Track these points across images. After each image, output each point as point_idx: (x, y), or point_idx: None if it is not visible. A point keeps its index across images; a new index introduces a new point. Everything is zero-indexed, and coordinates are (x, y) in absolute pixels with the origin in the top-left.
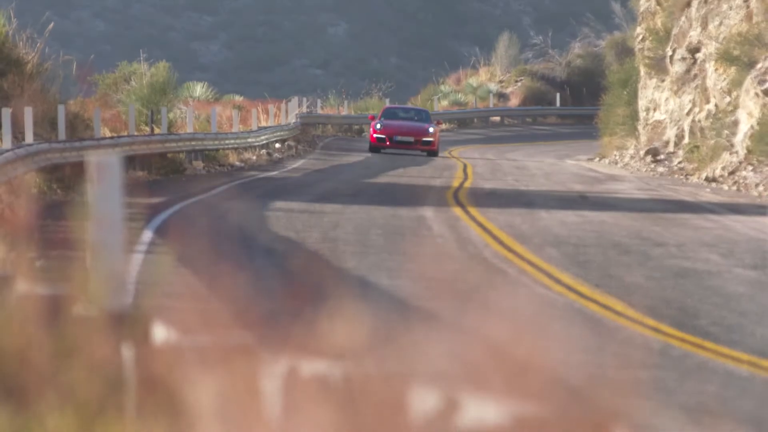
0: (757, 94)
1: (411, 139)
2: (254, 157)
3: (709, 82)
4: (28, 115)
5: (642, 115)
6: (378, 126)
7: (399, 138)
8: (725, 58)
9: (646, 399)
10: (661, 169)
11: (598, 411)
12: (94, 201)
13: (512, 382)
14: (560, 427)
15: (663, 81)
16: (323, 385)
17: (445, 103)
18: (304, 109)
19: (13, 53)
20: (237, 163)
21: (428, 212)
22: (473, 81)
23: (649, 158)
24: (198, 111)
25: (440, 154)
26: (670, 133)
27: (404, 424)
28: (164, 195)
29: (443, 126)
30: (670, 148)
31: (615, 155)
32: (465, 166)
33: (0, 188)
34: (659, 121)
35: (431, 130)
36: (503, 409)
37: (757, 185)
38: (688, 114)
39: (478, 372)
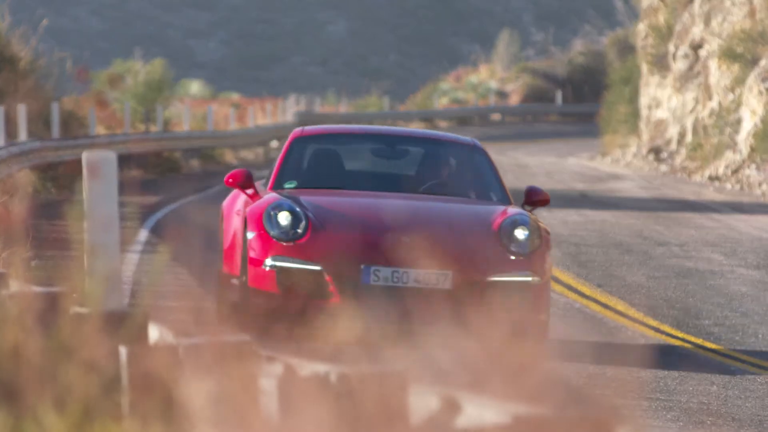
0: (760, 92)
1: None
2: (251, 156)
3: (712, 80)
4: (22, 112)
5: (644, 112)
6: (275, 229)
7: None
8: (728, 55)
9: (647, 399)
10: (663, 167)
11: (599, 411)
12: (89, 198)
13: (513, 381)
14: (560, 427)
15: (665, 78)
16: (322, 382)
17: (445, 100)
18: (303, 108)
19: (7, 50)
20: (234, 162)
21: None
22: (473, 78)
23: (651, 156)
24: (194, 109)
25: None
26: (673, 131)
27: (401, 421)
28: (160, 194)
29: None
30: (673, 147)
31: (617, 153)
32: None
33: None
34: (661, 119)
35: (522, 237)
36: (503, 409)
37: (760, 184)
38: (690, 112)
39: (479, 371)
